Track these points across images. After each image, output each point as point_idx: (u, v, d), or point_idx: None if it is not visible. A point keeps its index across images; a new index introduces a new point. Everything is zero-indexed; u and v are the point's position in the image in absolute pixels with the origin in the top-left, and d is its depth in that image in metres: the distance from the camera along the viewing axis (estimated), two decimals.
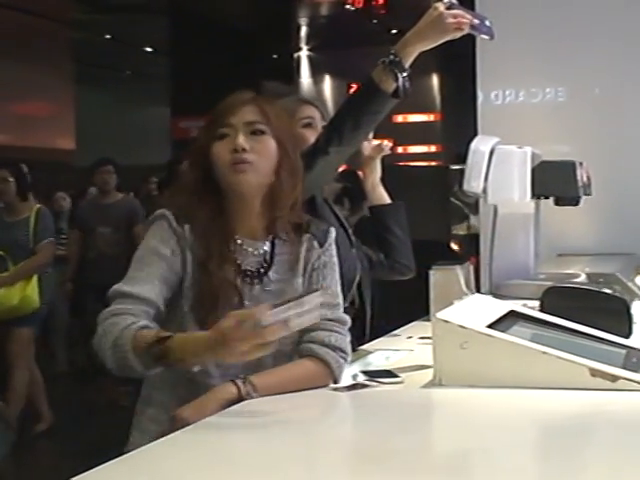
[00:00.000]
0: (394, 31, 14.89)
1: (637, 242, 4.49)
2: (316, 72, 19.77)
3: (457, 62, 8.67)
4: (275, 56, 18.99)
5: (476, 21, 2.77)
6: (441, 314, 2.26)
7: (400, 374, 2.38)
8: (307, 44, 19.71)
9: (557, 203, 3.68)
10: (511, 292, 3.38)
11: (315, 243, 2.39)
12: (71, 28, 14.78)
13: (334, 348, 2.29)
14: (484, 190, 3.56)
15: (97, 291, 5.65)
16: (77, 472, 1.64)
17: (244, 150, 2.30)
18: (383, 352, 2.77)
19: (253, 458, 1.79)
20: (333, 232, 2.45)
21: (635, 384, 2.11)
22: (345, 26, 16.71)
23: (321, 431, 2.04)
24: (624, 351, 2.33)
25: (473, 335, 2.19)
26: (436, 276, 2.68)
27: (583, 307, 2.56)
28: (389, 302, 3.42)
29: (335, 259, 2.44)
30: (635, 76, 4.73)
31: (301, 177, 2.40)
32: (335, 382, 2.28)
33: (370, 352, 2.77)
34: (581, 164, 3.67)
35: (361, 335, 3.13)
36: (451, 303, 2.42)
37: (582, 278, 3.58)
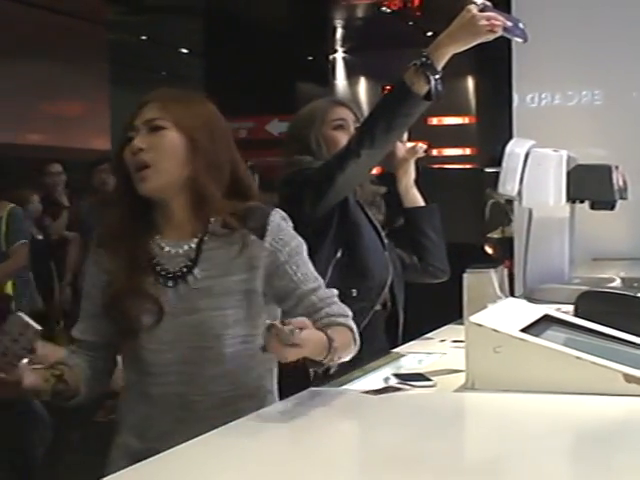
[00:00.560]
0: (430, 33, 14.82)
1: None
2: (351, 74, 19.73)
3: (493, 65, 8.62)
4: (310, 58, 18.98)
5: (509, 23, 2.75)
6: (474, 318, 2.25)
7: (432, 378, 2.36)
8: (342, 46, 19.67)
9: (592, 207, 3.66)
10: (545, 296, 3.36)
11: (252, 238, 2.29)
12: (107, 29, 14.84)
13: (347, 316, 2.32)
14: (519, 193, 3.54)
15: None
16: None
17: (141, 150, 2.26)
18: (415, 355, 2.76)
19: (284, 461, 1.79)
20: (274, 216, 2.32)
21: None
22: (380, 28, 16.66)
23: (352, 435, 2.04)
24: None
25: (506, 339, 2.18)
26: (470, 279, 2.67)
27: (618, 312, 2.53)
28: (422, 305, 3.41)
29: (296, 240, 2.34)
30: None
31: (228, 169, 2.33)
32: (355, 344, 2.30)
33: (402, 355, 2.75)
34: (617, 168, 3.64)
35: (394, 338, 3.13)
36: (485, 307, 2.41)
37: (617, 283, 3.56)
